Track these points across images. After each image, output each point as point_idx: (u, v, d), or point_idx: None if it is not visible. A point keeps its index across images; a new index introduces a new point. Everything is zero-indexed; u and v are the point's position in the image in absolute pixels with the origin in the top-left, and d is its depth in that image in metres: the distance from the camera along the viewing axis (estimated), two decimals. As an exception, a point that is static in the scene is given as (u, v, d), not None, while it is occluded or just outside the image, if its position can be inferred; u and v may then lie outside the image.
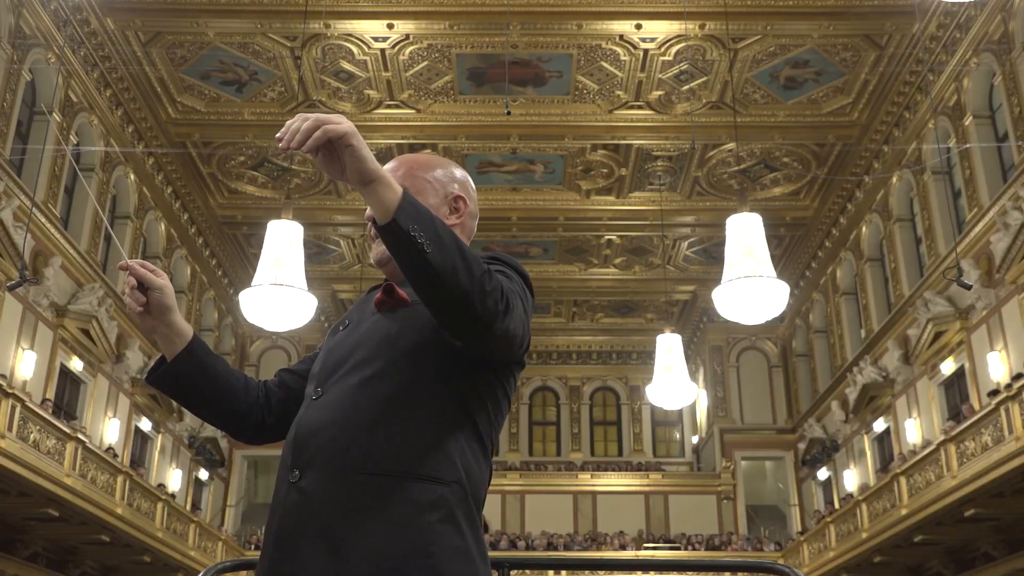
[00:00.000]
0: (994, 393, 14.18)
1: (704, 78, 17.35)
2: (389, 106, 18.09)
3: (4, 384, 12.67)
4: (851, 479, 21.70)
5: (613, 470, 27.42)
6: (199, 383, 1.94)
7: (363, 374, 1.76)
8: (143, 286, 1.88)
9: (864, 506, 17.83)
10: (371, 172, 1.59)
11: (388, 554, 1.60)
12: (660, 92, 17.66)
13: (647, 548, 23.63)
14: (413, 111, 18.22)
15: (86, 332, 17.08)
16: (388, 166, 1.96)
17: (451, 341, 1.70)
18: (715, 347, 27.20)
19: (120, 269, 1.91)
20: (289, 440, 1.79)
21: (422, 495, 1.65)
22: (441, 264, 1.54)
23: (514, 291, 1.71)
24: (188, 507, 20.95)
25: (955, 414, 16.90)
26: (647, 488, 26.33)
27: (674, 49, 16.58)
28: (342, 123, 1.58)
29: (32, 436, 13.20)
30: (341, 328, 1.93)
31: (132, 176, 19.09)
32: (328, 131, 1.57)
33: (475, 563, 1.66)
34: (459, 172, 2.02)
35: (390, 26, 16.11)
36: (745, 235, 10.21)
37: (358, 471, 1.66)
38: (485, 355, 1.73)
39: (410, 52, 16.73)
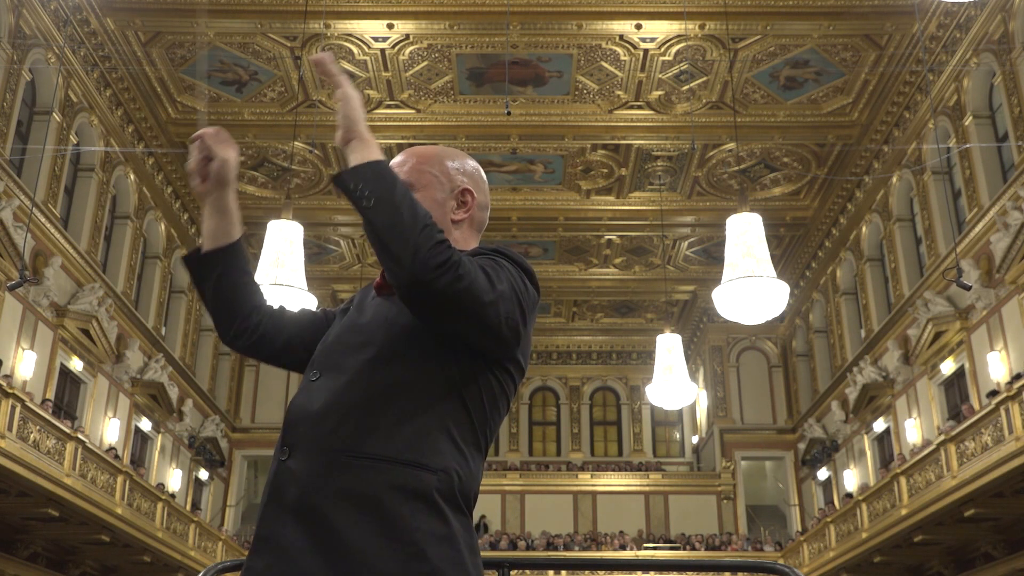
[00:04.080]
0: (993, 394, 14.18)
1: (704, 78, 17.35)
2: (389, 106, 18.09)
3: (4, 384, 12.67)
4: (851, 479, 21.71)
5: (613, 470, 27.42)
6: (222, 285, 1.98)
7: (359, 358, 1.77)
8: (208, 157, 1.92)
9: (864, 506, 17.83)
10: (351, 131, 1.73)
11: (370, 538, 1.61)
12: (660, 92, 17.66)
13: (647, 548, 23.63)
14: (413, 111, 18.23)
15: (86, 332, 17.08)
16: (397, 158, 2.00)
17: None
18: (715, 347, 27.20)
19: (190, 143, 1.95)
20: (284, 420, 1.81)
21: (408, 481, 1.65)
22: (379, 223, 1.63)
23: (488, 267, 1.71)
24: (188, 507, 20.95)
25: (955, 414, 16.90)
26: (647, 488, 26.34)
27: (674, 49, 16.58)
28: (348, 87, 1.76)
29: (32, 436, 13.20)
30: (346, 311, 1.96)
31: (132, 176, 19.09)
32: (335, 74, 1.76)
33: (460, 549, 1.66)
34: (469, 164, 2.02)
35: (390, 26, 16.11)
36: (745, 235, 10.21)
37: (345, 453, 1.67)
38: (450, 328, 1.70)
39: (410, 52, 16.73)
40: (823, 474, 24.05)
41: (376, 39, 16.39)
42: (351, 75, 17.30)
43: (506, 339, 1.74)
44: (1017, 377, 13.82)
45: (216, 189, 1.93)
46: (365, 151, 1.71)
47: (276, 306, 2.07)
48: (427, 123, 18.42)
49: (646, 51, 16.61)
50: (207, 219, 1.96)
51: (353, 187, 1.65)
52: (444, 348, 1.74)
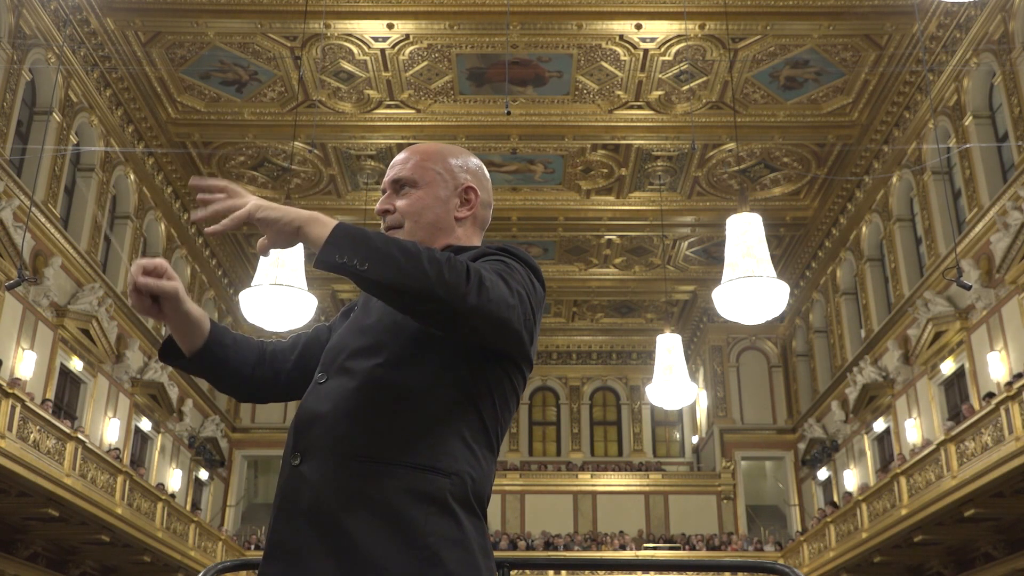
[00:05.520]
0: (990, 396, 14.14)
1: (704, 78, 17.35)
2: (389, 106, 18.09)
3: (4, 384, 12.66)
4: (851, 479, 21.70)
5: (613, 470, 27.42)
6: (213, 371, 1.97)
7: (369, 362, 1.75)
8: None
9: (864, 506, 17.83)
10: (290, 224, 1.65)
11: (384, 542, 1.61)
12: (660, 92, 17.66)
13: (647, 548, 23.63)
14: (413, 111, 18.22)
15: (86, 332, 17.08)
16: (400, 156, 1.98)
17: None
18: (715, 347, 27.20)
19: (131, 293, 1.86)
20: (292, 424, 1.79)
21: (422, 485, 1.65)
22: (385, 277, 1.58)
23: (503, 272, 1.71)
24: (188, 507, 20.95)
25: (955, 414, 16.90)
26: (647, 488, 26.34)
27: (674, 49, 16.58)
28: (245, 202, 1.66)
29: (32, 436, 13.20)
30: (352, 312, 1.95)
31: (132, 176, 19.09)
32: (234, 218, 1.66)
33: (474, 553, 1.65)
34: (472, 162, 2.01)
35: (390, 26, 16.11)
36: (745, 235, 10.21)
37: (357, 458, 1.67)
38: (477, 339, 1.69)
39: (410, 52, 16.73)
40: (823, 474, 24.05)
41: (376, 39, 16.39)
42: (351, 75, 17.29)
43: (524, 341, 1.75)
44: (1017, 377, 13.81)
45: (174, 311, 1.86)
46: (318, 226, 1.64)
47: (267, 348, 2.03)
48: (427, 123, 18.42)
49: (646, 51, 16.60)
50: (175, 331, 1.89)
51: (341, 261, 1.60)
52: (456, 351, 1.74)
